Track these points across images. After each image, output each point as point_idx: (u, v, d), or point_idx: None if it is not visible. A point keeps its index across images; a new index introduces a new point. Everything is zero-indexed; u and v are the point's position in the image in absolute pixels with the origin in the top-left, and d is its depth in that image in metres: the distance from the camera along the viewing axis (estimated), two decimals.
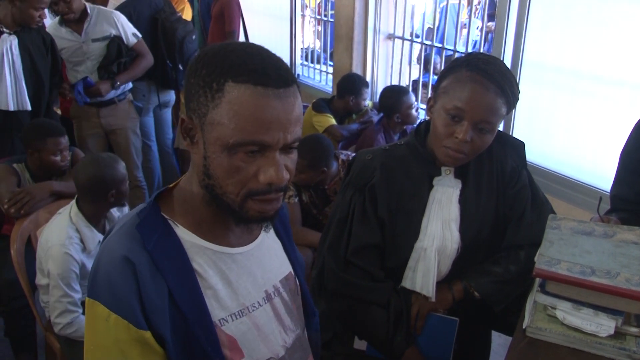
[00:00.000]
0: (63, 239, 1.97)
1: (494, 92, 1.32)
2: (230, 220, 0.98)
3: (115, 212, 2.23)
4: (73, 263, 1.96)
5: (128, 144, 3.47)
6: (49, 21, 3.76)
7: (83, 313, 2.00)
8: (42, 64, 2.92)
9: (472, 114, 1.32)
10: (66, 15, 3.08)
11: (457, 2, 4.50)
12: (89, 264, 2.02)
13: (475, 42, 4.56)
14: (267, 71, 0.87)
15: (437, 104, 1.40)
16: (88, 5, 3.21)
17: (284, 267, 1.12)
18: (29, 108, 2.85)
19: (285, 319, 1.07)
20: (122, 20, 3.30)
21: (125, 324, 0.87)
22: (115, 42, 3.22)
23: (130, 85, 3.44)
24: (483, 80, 1.32)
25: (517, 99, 1.37)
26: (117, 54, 3.23)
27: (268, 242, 1.10)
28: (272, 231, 1.13)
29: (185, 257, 0.93)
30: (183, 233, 0.95)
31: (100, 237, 2.08)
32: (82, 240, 2.02)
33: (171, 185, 1.02)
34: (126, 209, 2.26)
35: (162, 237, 0.93)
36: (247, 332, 0.98)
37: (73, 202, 2.08)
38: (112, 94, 3.28)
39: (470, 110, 1.32)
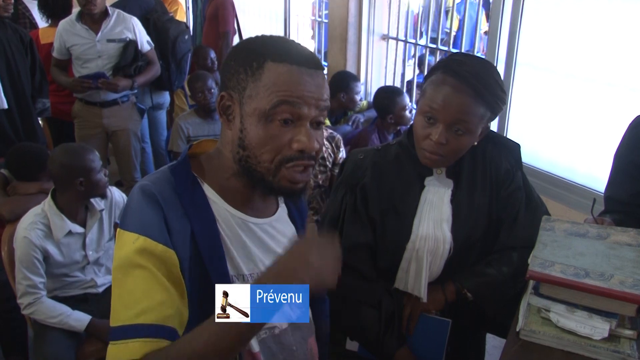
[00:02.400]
0: (27, 224, 2.06)
1: (466, 94, 1.31)
2: (254, 192, 1.06)
3: (114, 199, 2.26)
4: (32, 247, 2.03)
5: (128, 146, 3.49)
6: (40, 21, 3.76)
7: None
8: (20, 62, 2.89)
9: (445, 116, 1.33)
10: (88, 7, 3.09)
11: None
12: (54, 252, 2.10)
13: (471, 42, 4.55)
14: (302, 53, 0.99)
15: (418, 106, 1.41)
16: (109, 7, 3.26)
17: None
18: (5, 106, 2.81)
19: None
20: (139, 26, 3.37)
21: (152, 243, 0.92)
22: (132, 46, 3.28)
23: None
24: (455, 82, 1.32)
25: (499, 100, 1.36)
26: (133, 58, 3.28)
27: (283, 224, 1.14)
28: (287, 217, 1.17)
29: (209, 209, 1.00)
30: (208, 192, 1.02)
31: (74, 227, 2.12)
32: (50, 228, 2.08)
33: (195, 143, 1.10)
34: (119, 200, 2.29)
35: (191, 187, 1.00)
36: None
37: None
38: (116, 94, 3.31)
39: (442, 112, 1.33)
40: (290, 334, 1.09)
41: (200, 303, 0.96)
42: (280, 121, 0.96)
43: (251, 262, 1.03)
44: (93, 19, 3.19)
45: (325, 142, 2.76)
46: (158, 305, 0.90)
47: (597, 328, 1.13)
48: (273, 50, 0.97)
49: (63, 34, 3.20)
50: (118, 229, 0.96)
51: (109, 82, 3.18)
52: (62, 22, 3.23)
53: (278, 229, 1.11)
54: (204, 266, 0.96)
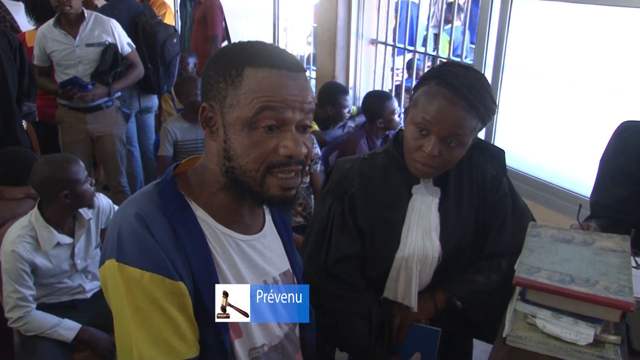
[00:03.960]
0: (14, 237, 2.02)
1: (462, 108, 1.29)
2: (242, 207, 1.03)
3: (101, 207, 2.23)
4: (20, 260, 2.00)
5: (114, 151, 3.46)
6: (27, 24, 3.72)
7: (38, 308, 2.08)
8: (7, 65, 2.85)
9: (439, 129, 1.31)
10: (61, 7, 3.05)
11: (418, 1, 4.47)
12: (43, 263, 2.06)
13: (456, 48, 4.58)
14: (281, 57, 0.95)
15: (408, 115, 1.39)
16: (86, 10, 3.21)
17: (283, 263, 1.14)
18: None
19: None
20: (118, 29, 3.32)
21: (159, 279, 0.90)
22: (111, 50, 3.24)
23: (118, 92, 3.43)
24: (450, 95, 1.29)
25: (491, 112, 1.35)
26: (112, 62, 3.23)
27: (270, 238, 1.13)
28: (274, 229, 1.16)
29: (200, 229, 0.98)
30: (197, 211, 1.00)
31: (62, 238, 2.09)
32: (37, 240, 2.04)
33: (182, 162, 1.07)
34: (106, 207, 2.25)
35: (179, 207, 0.97)
36: None
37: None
38: (100, 99, 3.27)
39: (437, 124, 1.30)
40: (279, 351, 1.09)
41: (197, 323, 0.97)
42: (264, 128, 0.93)
43: (242, 280, 1.02)
44: (70, 23, 3.15)
45: None
46: (182, 340, 0.92)
47: (583, 334, 1.14)
48: (251, 55, 0.94)
49: (42, 40, 3.17)
50: (116, 263, 0.91)
51: (83, 94, 3.14)
52: (41, 28, 3.20)
53: (265, 245, 1.09)
54: (198, 288, 0.95)
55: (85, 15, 3.19)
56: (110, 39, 3.24)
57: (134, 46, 3.43)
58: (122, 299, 0.91)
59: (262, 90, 0.92)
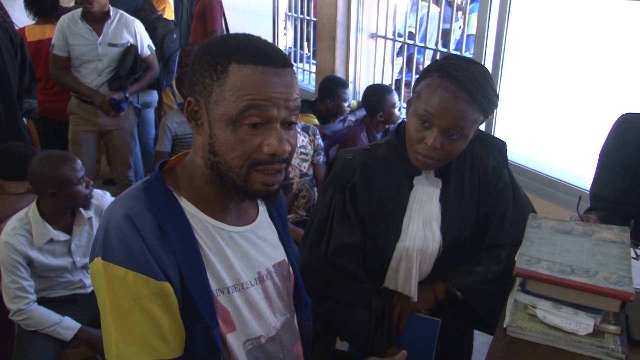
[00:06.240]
0: (9, 229, 2.02)
1: (464, 100, 1.30)
2: (230, 200, 1.03)
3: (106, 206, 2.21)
4: (13, 252, 2.00)
5: (124, 145, 3.47)
6: (21, 18, 3.71)
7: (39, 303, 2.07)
8: (8, 62, 2.85)
9: (441, 121, 1.32)
10: (84, 4, 3.07)
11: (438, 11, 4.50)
12: (38, 257, 2.06)
13: (458, 41, 4.57)
14: (267, 53, 0.94)
15: (411, 107, 1.40)
16: (112, 8, 3.21)
17: (278, 254, 1.14)
18: None
19: (275, 302, 1.10)
20: (141, 30, 3.33)
21: (143, 279, 0.90)
22: (132, 53, 3.24)
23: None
24: (453, 87, 1.31)
25: (493, 105, 1.36)
26: (132, 66, 3.24)
27: (264, 228, 1.13)
28: (268, 219, 1.16)
29: (188, 225, 0.97)
30: (186, 205, 1.00)
31: (57, 234, 2.08)
32: (32, 234, 2.04)
33: (173, 158, 1.06)
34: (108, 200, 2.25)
35: (167, 204, 0.97)
36: (240, 307, 1.02)
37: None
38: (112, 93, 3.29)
39: (439, 117, 1.32)
40: (277, 342, 1.09)
41: (185, 320, 0.96)
42: (249, 125, 0.93)
43: (234, 273, 1.02)
44: (95, 19, 3.15)
45: (302, 132, 2.86)
46: (163, 340, 0.92)
47: (582, 324, 1.15)
48: (237, 51, 0.93)
49: (65, 30, 3.15)
50: (102, 261, 0.91)
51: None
52: (65, 18, 3.18)
53: (259, 235, 1.09)
54: (185, 285, 0.94)
55: (111, 13, 3.19)
56: (132, 40, 3.25)
57: (154, 48, 3.44)
58: (105, 297, 0.91)
59: (247, 88, 0.92)
